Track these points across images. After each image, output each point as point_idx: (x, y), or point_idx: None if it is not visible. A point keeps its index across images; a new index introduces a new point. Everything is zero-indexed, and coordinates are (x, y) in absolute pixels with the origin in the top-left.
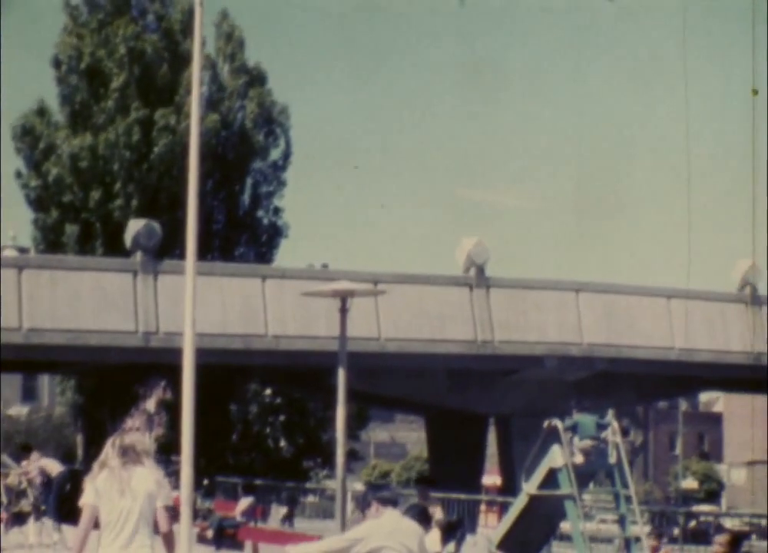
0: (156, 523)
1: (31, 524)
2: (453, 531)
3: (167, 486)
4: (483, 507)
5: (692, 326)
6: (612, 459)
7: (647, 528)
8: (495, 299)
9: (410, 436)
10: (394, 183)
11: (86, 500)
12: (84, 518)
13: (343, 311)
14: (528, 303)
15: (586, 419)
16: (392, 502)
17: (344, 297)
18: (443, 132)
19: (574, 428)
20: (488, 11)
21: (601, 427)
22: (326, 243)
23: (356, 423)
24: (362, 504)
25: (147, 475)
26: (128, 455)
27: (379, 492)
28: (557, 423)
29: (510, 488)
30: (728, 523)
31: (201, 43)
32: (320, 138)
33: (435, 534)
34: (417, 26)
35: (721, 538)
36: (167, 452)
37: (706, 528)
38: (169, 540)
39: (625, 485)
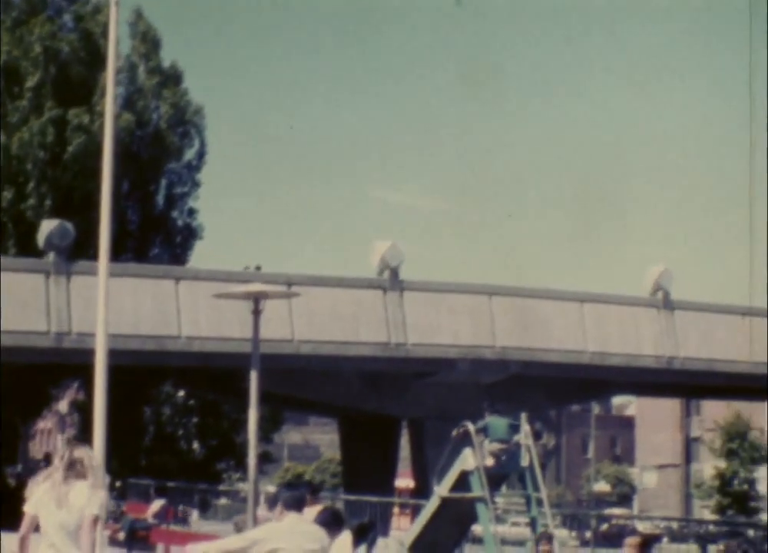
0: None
1: None
2: (365, 533)
3: (98, 497)
4: (396, 509)
5: (604, 330)
6: (524, 462)
7: (532, 533)
8: (409, 301)
9: (324, 438)
10: (309, 184)
11: (26, 508)
12: (24, 525)
13: (256, 313)
14: (442, 306)
15: (497, 421)
16: (298, 505)
17: (257, 299)
18: (358, 133)
19: (485, 431)
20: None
21: (514, 428)
22: (240, 245)
23: (270, 425)
24: (272, 504)
25: (84, 490)
26: (74, 468)
27: (290, 492)
28: (469, 426)
29: (423, 490)
30: (641, 526)
31: (116, 42)
32: (236, 139)
33: (346, 537)
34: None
35: (631, 541)
36: None
37: (617, 531)
38: (85, 546)
39: (536, 488)
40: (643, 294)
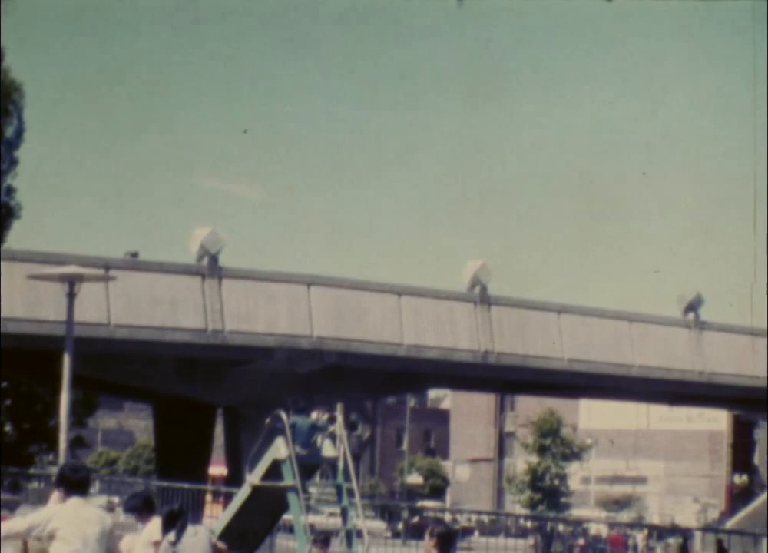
0: None
1: None
2: (175, 520)
3: None
4: (209, 497)
5: (421, 323)
6: (336, 452)
7: (342, 524)
8: (227, 289)
9: (138, 424)
10: (132, 168)
11: None
12: None
13: (71, 295)
14: (260, 295)
15: (301, 422)
16: (79, 488)
17: (72, 281)
18: (186, 118)
19: (293, 429)
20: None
21: (315, 430)
22: (59, 226)
23: (84, 410)
24: (57, 485)
25: None
26: None
27: (73, 476)
28: (282, 415)
29: (236, 478)
30: (463, 519)
31: None
32: (57, 118)
33: (156, 523)
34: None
35: (430, 532)
36: None
37: (431, 523)
38: None
39: (347, 479)
40: (460, 288)
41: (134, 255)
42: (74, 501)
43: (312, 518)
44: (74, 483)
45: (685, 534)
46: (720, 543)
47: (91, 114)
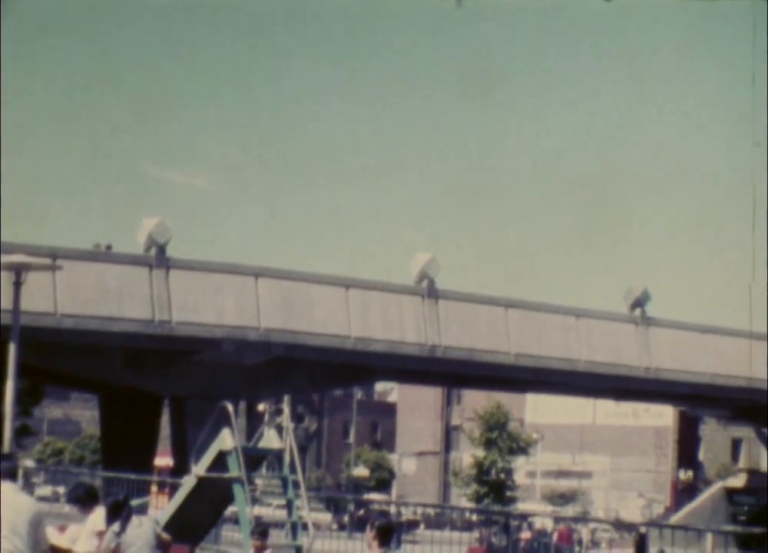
0: None
1: None
2: (119, 510)
3: None
4: (154, 488)
5: (369, 316)
6: (281, 444)
7: (288, 515)
8: (175, 279)
9: (85, 414)
10: (78, 157)
11: None
12: None
13: (17, 284)
14: (208, 286)
15: None
16: (11, 475)
17: (18, 270)
18: (128, 107)
19: None
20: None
21: None
22: (5, 216)
23: (30, 399)
24: None
25: None
26: None
27: (3, 463)
28: (228, 407)
29: (182, 469)
30: (408, 512)
31: None
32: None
33: (100, 513)
34: None
35: (371, 524)
36: None
37: (374, 516)
38: None
39: (293, 471)
40: (408, 282)
41: (108, 247)
42: (4, 487)
43: (258, 510)
44: (5, 470)
45: (640, 530)
46: (642, 537)
47: (46, 103)
